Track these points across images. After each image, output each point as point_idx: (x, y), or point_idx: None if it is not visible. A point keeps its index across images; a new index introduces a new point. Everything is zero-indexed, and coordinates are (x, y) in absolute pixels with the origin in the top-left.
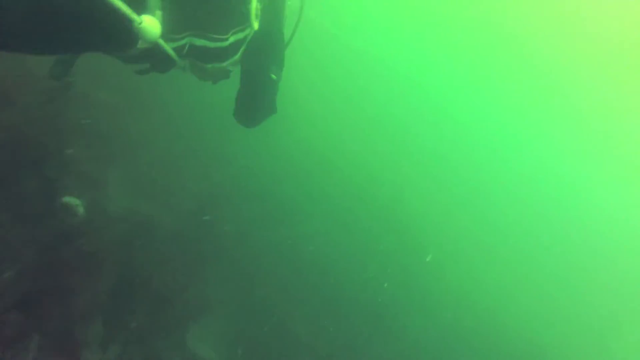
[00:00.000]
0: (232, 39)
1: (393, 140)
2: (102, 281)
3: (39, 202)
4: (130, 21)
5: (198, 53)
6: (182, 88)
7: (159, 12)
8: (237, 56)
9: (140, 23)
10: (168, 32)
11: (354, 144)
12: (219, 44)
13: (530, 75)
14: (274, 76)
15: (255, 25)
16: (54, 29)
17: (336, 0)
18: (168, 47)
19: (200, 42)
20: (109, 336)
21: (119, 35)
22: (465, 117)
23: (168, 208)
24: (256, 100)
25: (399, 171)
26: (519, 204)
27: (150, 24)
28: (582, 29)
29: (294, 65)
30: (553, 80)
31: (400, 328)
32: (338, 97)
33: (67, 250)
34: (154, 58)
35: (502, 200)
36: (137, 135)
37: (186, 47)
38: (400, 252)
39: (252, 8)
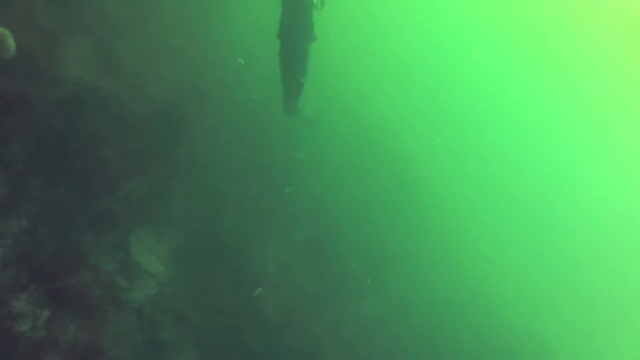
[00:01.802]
0: None
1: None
2: (24, 134)
3: None
4: None
5: None
6: None
7: None
8: None
9: None
10: None
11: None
12: None
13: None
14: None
15: None
16: None
17: None
18: None
19: None
20: (15, 202)
21: None
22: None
23: (137, 92)
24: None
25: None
26: (531, 199)
27: None
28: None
29: None
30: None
31: (392, 285)
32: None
33: None
34: None
35: (515, 195)
36: (120, 19)
37: None
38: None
39: None
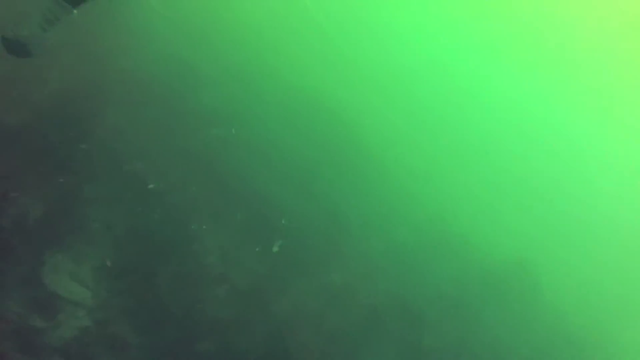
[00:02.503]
0: None
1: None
2: None
3: None
4: None
5: None
6: None
7: None
8: None
9: None
10: None
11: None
12: None
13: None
14: None
15: None
16: None
17: None
18: None
19: None
20: None
21: None
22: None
23: (8, 100)
24: None
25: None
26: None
27: None
28: None
29: None
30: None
31: (354, 247)
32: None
33: None
34: None
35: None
36: None
37: None
38: None
39: None
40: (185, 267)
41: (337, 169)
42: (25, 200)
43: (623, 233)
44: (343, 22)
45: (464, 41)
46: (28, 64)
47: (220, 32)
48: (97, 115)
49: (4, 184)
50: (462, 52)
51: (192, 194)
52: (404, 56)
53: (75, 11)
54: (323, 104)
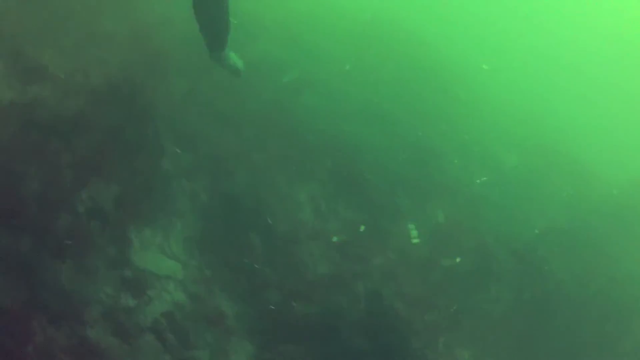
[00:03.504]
0: None
1: None
2: None
3: None
4: None
5: None
6: None
7: None
8: None
9: None
10: None
11: None
12: None
13: None
14: None
15: None
16: None
17: None
18: None
19: None
20: None
21: None
22: None
23: (70, 89)
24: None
25: None
26: None
27: None
28: None
29: None
30: None
31: None
32: None
33: None
34: None
35: None
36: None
37: None
38: None
39: None
40: (279, 225)
41: (422, 98)
42: (95, 183)
43: None
44: None
45: None
46: (78, 59)
47: None
48: (159, 90)
49: (77, 168)
50: None
51: (272, 149)
52: None
53: None
54: (393, 29)
